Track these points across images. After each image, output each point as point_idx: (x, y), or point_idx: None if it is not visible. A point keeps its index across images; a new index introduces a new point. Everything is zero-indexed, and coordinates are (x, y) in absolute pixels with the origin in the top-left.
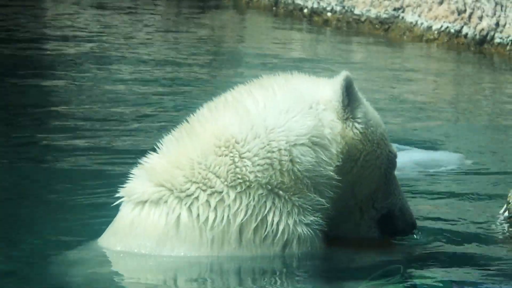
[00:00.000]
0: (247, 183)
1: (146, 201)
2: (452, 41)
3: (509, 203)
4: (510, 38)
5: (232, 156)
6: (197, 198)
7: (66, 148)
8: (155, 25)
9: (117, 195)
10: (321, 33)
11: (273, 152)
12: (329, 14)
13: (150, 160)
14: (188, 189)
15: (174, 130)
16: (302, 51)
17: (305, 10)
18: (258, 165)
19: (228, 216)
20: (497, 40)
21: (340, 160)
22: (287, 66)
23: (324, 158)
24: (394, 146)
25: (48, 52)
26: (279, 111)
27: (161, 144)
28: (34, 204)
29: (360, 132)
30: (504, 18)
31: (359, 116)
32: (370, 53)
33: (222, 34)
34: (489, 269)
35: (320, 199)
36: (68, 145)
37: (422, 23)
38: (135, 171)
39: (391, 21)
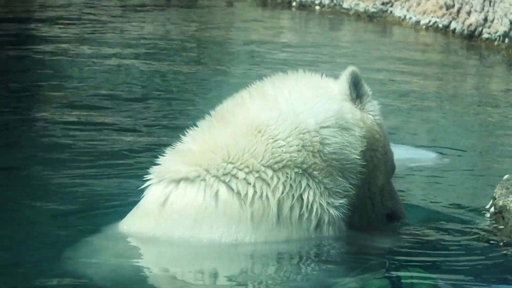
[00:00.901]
0: (283, 162)
1: (180, 180)
2: (441, 33)
3: (495, 198)
4: (498, 33)
5: (266, 138)
6: (234, 175)
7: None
8: (146, 18)
9: (147, 176)
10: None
11: (304, 133)
12: (317, 7)
13: (182, 145)
14: (225, 168)
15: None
16: (291, 38)
17: (294, 3)
18: (291, 145)
19: (266, 192)
20: (485, 36)
21: (364, 145)
22: (276, 52)
23: (350, 141)
24: None
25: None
26: (304, 98)
27: (190, 132)
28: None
29: (376, 123)
30: (492, 13)
31: (371, 109)
32: (357, 39)
33: (211, 25)
34: (475, 265)
35: (347, 185)
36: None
37: (410, 18)
38: (165, 154)
39: (380, 15)
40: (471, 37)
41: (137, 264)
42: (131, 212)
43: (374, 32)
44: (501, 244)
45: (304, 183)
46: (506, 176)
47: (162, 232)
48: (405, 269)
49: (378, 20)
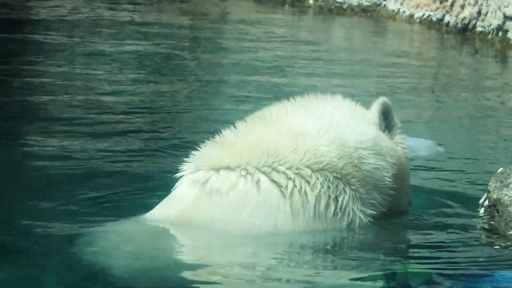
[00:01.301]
0: (323, 164)
1: (220, 168)
2: (435, 27)
3: (489, 191)
4: (491, 27)
5: (308, 141)
6: (275, 169)
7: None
8: (137, 9)
9: (183, 165)
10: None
11: (344, 147)
12: (311, 1)
13: (222, 139)
14: (266, 161)
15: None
16: (284, 31)
17: None
18: (332, 152)
19: (305, 188)
20: (479, 29)
21: (395, 171)
22: (269, 44)
23: (383, 164)
24: None
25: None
26: (346, 118)
27: (229, 129)
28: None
29: (404, 156)
30: (486, 7)
31: (400, 142)
32: (350, 33)
33: (204, 17)
34: (469, 258)
35: (379, 199)
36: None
37: (404, 11)
38: (203, 146)
39: (373, 9)
40: (464, 30)
41: (170, 250)
42: (165, 199)
43: (368, 26)
44: (495, 237)
45: (340, 187)
46: (500, 169)
47: (199, 217)
48: (400, 263)
49: (371, 14)
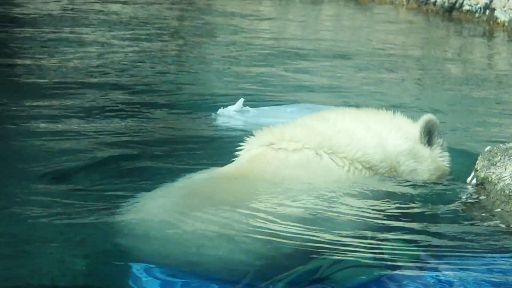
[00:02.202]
0: (370, 164)
1: (281, 144)
2: (421, 8)
3: (477, 170)
4: (479, 5)
5: (358, 141)
6: (334, 153)
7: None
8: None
9: (243, 144)
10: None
11: (386, 152)
12: None
13: (279, 126)
14: (325, 145)
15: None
16: (272, 13)
17: None
18: (378, 155)
19: (359, 170)
20: (466, 8)
21: (431, 175)
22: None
23: (421, 168)
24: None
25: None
26: (387, 129)
27: (291, 122)
28: None
29: (447, 168)
30: None
31: (440, 157)
32: (339, 14)
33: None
34: (457, 237)
35: None
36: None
37: None
38: (260, 131)
39: None
40: (451, 9)
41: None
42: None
43: (354, 9)
44: (483, 215)
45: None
46: (487, 148)
47: (263, 169)
48: (387, 241)
49: None
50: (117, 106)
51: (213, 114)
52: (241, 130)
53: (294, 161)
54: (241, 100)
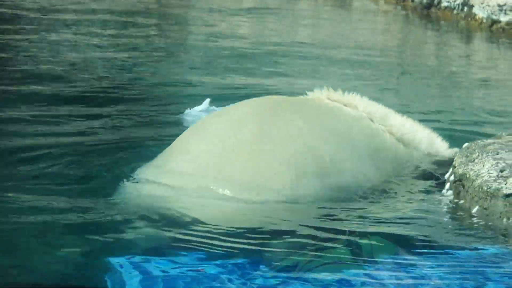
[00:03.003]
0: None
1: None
2: (399, 4)
3: (455, 166)
4: (457, 2)
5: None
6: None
7: None
8: None
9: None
10: None
11: (433, 146)
12: None
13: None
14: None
15: None
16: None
17: None
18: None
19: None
20: (444, 4)
21: None
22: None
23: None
24: None
25: None
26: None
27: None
28: None
29: None
30: None
31: None
32: (317, 6)
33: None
34: (434, 233)
35: None
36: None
37: None
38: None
39: None
40: (430, 6)
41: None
42: None
43: (333, 5)
44: (460, 212)
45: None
46: (465, 144)
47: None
48: (365, 237)
49: None
50: (88, 103)
51: (179, 114)
52: None
53: (345, 116)
54: (207, 100)
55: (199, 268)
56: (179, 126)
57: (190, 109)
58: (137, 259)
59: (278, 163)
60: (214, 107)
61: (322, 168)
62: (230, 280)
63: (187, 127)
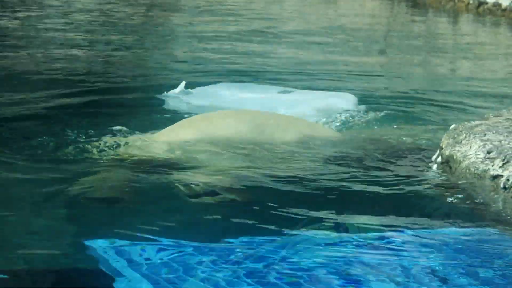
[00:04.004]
0: None
1: None
2: None
3: (442, 148)
4: None
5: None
6: None
7: None
8: None
9: None
10: None
11: None
12: None
13: None
14: None
15: None
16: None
17: None
18: None
19: None
20: None
21: None
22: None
23: None
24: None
25: None
26: None
27: None
28: None
29: None
30: None
31: None
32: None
33: None
34: (422, 214)
35: None
36: None
37: None
38: None
39: None
40: None
41: None
42: None
43: None
44: (447, 193)
45: None
46: (452, 126)
47: None
48: (352, 218)
49: None
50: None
51: (157, 96)
52: (185, 112)
53: None
54: (183, 83)
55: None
56: (159, 110)
57: (167, 92)
58: (121, 242)
59: None
60: (189, 89)
61: None
62: (214, 263)
63: (166, 109)
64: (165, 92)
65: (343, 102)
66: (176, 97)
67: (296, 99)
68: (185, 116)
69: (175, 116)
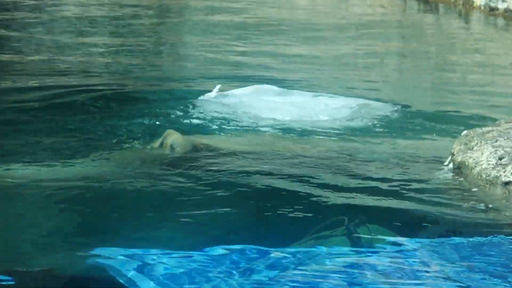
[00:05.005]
0: None
1: None
2: None
3: (454, 154)
4: None
5: None
6: None
7: None
8: None
9: None
10: None
11: None
12: None
13: None
14: None
15: None
16: None
17: None
18: None
19: None
20: None
21: None
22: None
23: None
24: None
25: None
26: None
27: None
28: None
29: None
30: None
31: None
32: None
33: None
34: (434, 220)
35: None
36: None
37: None
38: None
39: None
40: None
41: None
42: None
43: None
44: (459, 199)
45: None
46: (464, 132)
47: None
48: (364, 225)
49: None
50: (96, 94)
51: (194, 101)
52: (224, 118)
53: None
54: (218, 86)
55: None
56: (196, 109)
57: (203, 96)
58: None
59: None
60: (225, 92)
61: None
62: (233, 262)
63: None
64: (202, 96)
65: (382, 108)
66: (212, 100)
67: (335, 104)
68: (224, 120)
69: (214, 120)
